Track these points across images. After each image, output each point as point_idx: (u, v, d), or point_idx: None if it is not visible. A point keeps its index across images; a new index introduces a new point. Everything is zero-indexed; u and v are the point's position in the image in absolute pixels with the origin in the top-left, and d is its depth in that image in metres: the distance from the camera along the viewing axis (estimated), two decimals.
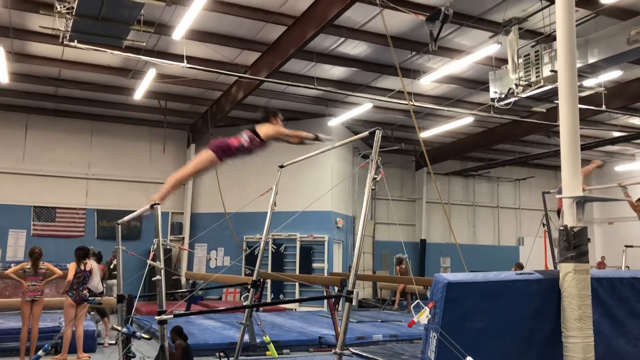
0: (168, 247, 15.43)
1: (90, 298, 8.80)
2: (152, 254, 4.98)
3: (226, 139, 5.65)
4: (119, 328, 6.08)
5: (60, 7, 8.40)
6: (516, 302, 4.53)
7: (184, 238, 17.80)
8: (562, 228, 4.72)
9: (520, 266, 13.55)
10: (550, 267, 9.04)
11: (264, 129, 5.75)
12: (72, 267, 8.44)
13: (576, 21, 5.13)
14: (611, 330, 4.87)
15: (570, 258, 4.59)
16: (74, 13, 8.33)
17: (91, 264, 8.91)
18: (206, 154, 5.60)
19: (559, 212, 7.89)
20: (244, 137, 5.67)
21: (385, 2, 9.13)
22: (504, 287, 4.55)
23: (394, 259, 20.30)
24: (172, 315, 4.84)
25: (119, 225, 7.69)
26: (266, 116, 5.90)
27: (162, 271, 4.95)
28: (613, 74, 12.27)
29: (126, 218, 7.46)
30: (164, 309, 4.81)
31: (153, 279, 4.99)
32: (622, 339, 4.93)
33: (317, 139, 5.92)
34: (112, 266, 12.40)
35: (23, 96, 15.65)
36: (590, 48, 9.90)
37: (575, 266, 4.55)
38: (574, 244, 4.60)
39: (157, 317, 4.72)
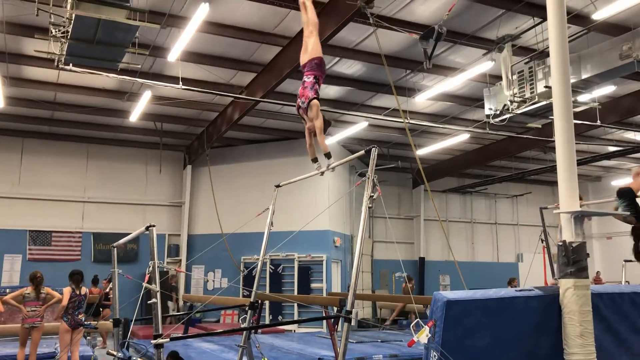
0: (165, 269, 15.34)
1: (85, 322, 8.69)
2: (147, 276, 4.93)
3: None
4: (115, 353, 6.00)
5: (55, 31, 8.43)
6: (516, 319, 4.48)
7: (181, 260, 17.68)
8: (560, 243, 4.70)
9: (513, 280, 13.54)
10: (550, 283, 8.97)
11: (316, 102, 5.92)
12: (67, 291, 8.35)
13: (568, 37, 5.17)
14: (613, 347, 4.82)
15: (570, 274, 4.56)
16: (68, 37, 8.35)
17: (85, 288, 8.82)
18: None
19: None
20: (316, 88, 5.93)
21: (378, 21, 9.20)
22: (504, 304, 4.50)
23: (393, 278, 20.20)
24: (168, 339, 4.77)
25: (115, 248, 7.65)
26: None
27: (158, 294, 4.89)
28: (607, 89, 12.35)
29: (122, 240, 7.43)
30: (160, 332, 4.74)
31: (149, 302, 4.93)
32: (624, 355, 4.88)
33: (327, 156, 5.92)
34: (108, 290, 12.31)
35: (18, 120, 15.65)
36: (583, 64, 9.98)
37: (575, 282, 4.52)
38: (573, 260, 4.58)
39: (153, 341, 4.66)
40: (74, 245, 16.96)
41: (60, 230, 16.86)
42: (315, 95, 5.82)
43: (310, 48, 6.06)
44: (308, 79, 5.89)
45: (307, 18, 6.21)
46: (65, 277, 8.79)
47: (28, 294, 8.39)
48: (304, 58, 6.13)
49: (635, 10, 9.52)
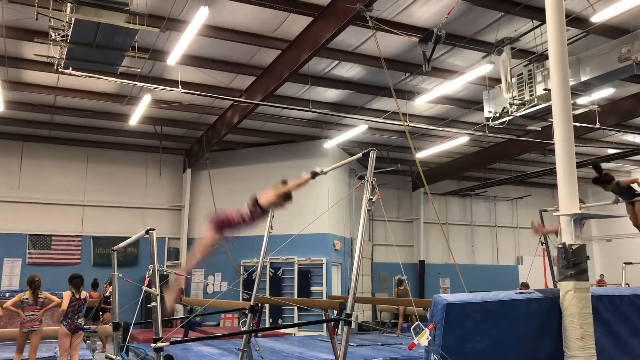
0: (164, 273, 15.30)
1: (85, 326, 8.67)
2: (147, 280, 4.93)
3: (226, 211, 5.41)
4: (114, 357, 5.99)
5: (55, 35, 8.43)
6: (517, 322, 4.47)
7: (181, 263, 17.66)
8: (560, 246, 4.69)
9: (525, 286, 13.37)
10: (550, 285, 8.98)
11: (264, 196, 5.46)
12: (67, 295, 8.33)
13: (567, 40, 5.17)
14: (614, 349, 4.81)
15: (570, 276, 4.55)
16: (68, 40, 8.35)
17: (85, 292, 8.80)
18: (206, 234, 5.37)
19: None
20: (245, 209, 5.40)
21: (378, 24, 9.22)
22: (504, 306, 4.49)
23: (393, 281, 20.17)
24: (168, 343, 4.76)
25: (115, 252, 7.64)
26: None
27: (158, 297, 4.89)
28: (606, 92, 12.35)
29: (122, 244, 7.42)
30: (160, 336, 4.73)
31: (149, 305, 4.93)
32: (625, 357, 4.87)
33: (314, 176, 5.73)
34: (107, 293, 12.30)
35: (18, 124, 15.66)
36: (582, 66, 9.98)
37: (575, 284, 4.51)
38: (573, 262, 4.57)
39: (153, 345, 4.65)
40: (73, 249, 16.94)
41: (60, 234, 16.84)
42: (252, 202, 5.43)
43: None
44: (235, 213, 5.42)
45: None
46: (64, 281, 8.77)
47: (26, 298, 8.37)
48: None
49: (634, 12, 9.54)
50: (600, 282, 19.60)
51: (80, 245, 17.03)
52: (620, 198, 8.38)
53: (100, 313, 12.46)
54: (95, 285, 13.12)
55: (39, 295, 8.38)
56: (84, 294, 8.54)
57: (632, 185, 8.26)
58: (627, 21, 9.95)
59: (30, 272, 10.82)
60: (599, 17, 9.45)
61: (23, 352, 8.37)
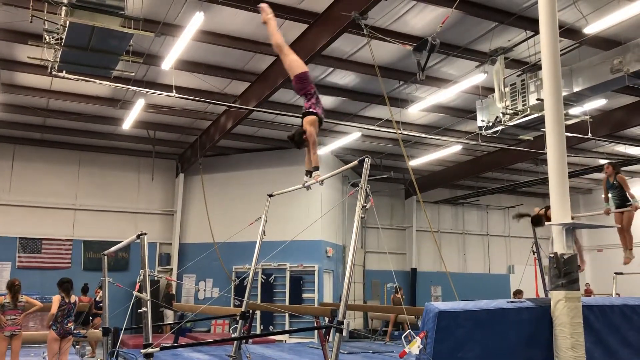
0: (155, 278, 15.23)
1: (74, 331, 8.59)
2: (138, 285, 4.91)
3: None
4: None
5: (49, 38, 8.41)
6: (508, 331, 4.48)
7: (172, 269, 17.58)
8: (552, 255, 4.71)
9: (519, 293, 13.44)
10: (542, 294, 9.00)
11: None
12: (56, 299, 8.25)
13: (560, 51, 5.22)
14: (604, 359, 4.82)
15: (561, 285, 4.57)
16: (62, 44, 8.33)
17: (75, 296, 8.73)
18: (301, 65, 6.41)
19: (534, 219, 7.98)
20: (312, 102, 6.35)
21: (372, 32, 9.26)
22: (495, 315, 4.50)
23: (384, 288, 20.16)
24: (158, 348, 4.74)
25: (106, 256, 7.61)
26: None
27: (149, 303, 4.86)
28: (598, 103, 12.46)
29: (112, 249, 7.39)
30: (150, 341, 4.71)
31: (139, 310, 4.91)
32: None
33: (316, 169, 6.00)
34: (98, 298, 12.22)
35: (10, 127, 15.56)
36: (575, 77, 10.07)
37: (566, 294, 4.53)
38: (564, 272, 4.59)
39: (142, 350, 4.62)
40: (64, 253, 16.82)
41: (51, 237, 16.72)
42: (308, 109, 5.95)
43: (288, 67, 6.40)
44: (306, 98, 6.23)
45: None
46: (54, 285, 8.70)
47: (7, 302, 8.28)
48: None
49: (626, 25, 9.63)
50: (587, 291, 19.64)
51: (71, 250, 16.91)
52: (610, 208, 8.43)
53: (91, 318, 12.37)
54: (85, 290, 13.03)
55: (20, 300, 8.30)
56: (73, 298, 8.47)
57: (626, 192, 8.32)
58: (619, 33, 10.04)
59: (20, 276, 10.74)
60: (591, 29, 9.54)
61: (5, 357, 8.27)
